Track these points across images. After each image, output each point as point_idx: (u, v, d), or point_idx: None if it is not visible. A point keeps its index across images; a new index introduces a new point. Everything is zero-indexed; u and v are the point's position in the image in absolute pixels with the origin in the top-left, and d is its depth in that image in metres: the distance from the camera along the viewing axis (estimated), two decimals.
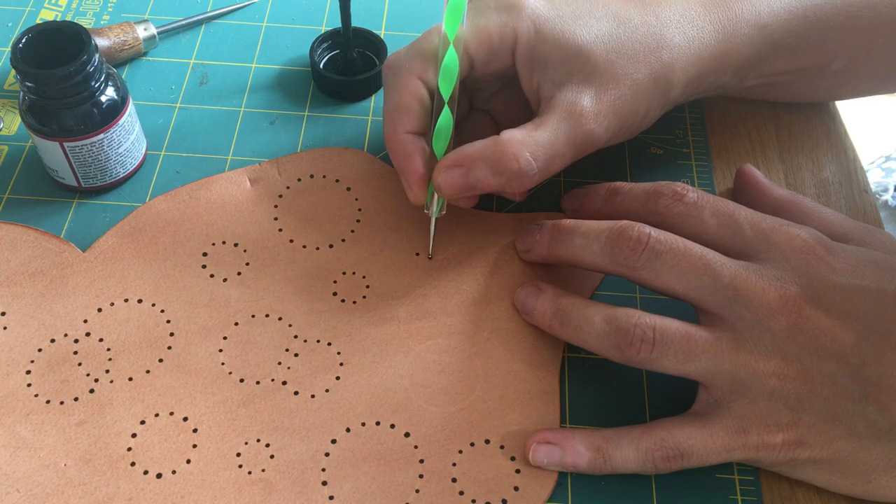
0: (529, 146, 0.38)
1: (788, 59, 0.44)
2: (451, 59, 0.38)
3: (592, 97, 0.39)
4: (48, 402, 0.38)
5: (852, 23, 0.44)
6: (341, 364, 0.40)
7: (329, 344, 0.41)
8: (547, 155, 0.38)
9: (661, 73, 0.40)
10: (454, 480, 0.37)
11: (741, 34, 0.42)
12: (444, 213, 0.42)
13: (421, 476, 0.37)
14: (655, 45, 0.40)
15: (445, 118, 0.39)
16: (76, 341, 0.40)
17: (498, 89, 0.45)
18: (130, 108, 0.44)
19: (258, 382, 0.39)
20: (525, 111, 0.44)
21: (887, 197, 0.70)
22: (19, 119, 0.49)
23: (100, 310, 0.41)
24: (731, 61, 0.42)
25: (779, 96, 0.50)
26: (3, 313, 0.41)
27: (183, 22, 0.53)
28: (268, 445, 0.38)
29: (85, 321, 0.41)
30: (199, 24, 0.54)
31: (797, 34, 0.43)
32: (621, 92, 0.39)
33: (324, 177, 0.46)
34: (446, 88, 0.39)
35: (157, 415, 0.38)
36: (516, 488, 0.37)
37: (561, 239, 0.40)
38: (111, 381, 0.39)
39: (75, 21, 0.48)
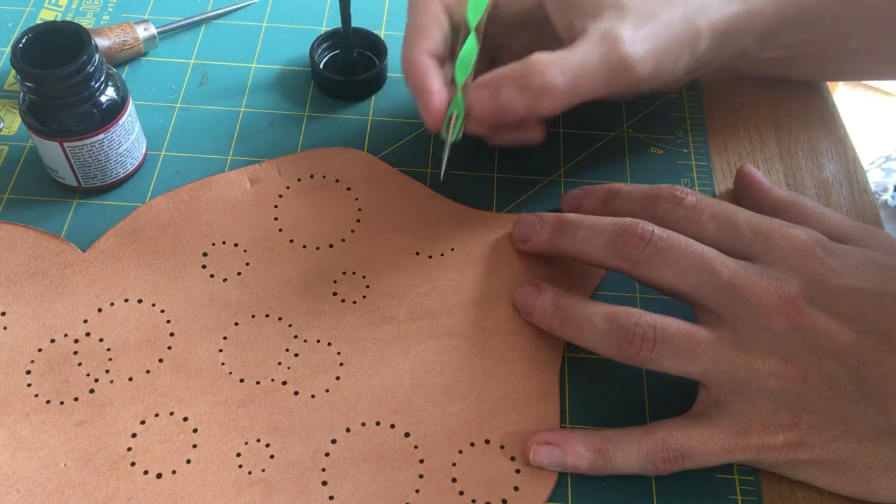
0: (558, 64, 0.38)
1: (807, 29, 0.45)
2: None
3: (628, 27, 0.39)
4: (48, 402, 0.38)
5: None
6: (341, 364, 0.40)
7: (329, 344, 0.41)
8: (576, 71, 0.38)
9: (691, 17, 0.40)
10: (454, 480, 0.37)
11: None
12: (460, 137, 0.41)
13: (421, 476, 0.37)
14: None
15: (470, 46, 0.38)
16: (76, 341, 0.40)
17: (522, 46, 0.44)
18: (130, 108, 0.44)
19: (258, 382, 0.39)
20: None
21: (887, 197, 0.70)
22: (19, 119, 0.49)
23: (100, 310, 0.41)
24: (753, 23, 0.43)
25: (798, 72, 0.50)
26: (3, 313, 0.41)
27: (183, 22, 0.53)
28: (268, 445, 0.38)
29: (85, 321, 0.41)
30: (199, 24, 0.54)
31: (816, 2, 0.43)
32: (656, 29, 0.39)
33: (324, 177, 0.46)
34: (474, 15, 0.38)
35: (157, 415, 0.38)
36: (516, 488, 0.37)
37: (565, 231, 0.40)
38: (111, 381, 0.39)
39: (75, 21, 0.48)
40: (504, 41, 0.45)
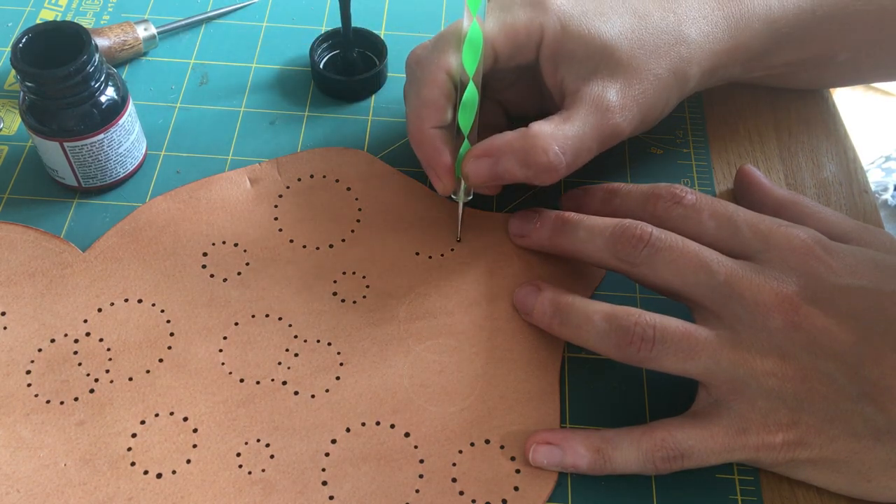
0: (558, 139, 0.39)
1: (794, 52, 0.45)
2: (475, 33, 0.38)
3: (617, 91, 0.40)
4: (48, 402, 0.38)
5: (858, 17, 0.45)
6: (341, 364, 0.40)
7: (329, 344, 0.41)
8: (575, 148, 0.39)
9: (679, 68, 0.41)
10: (454, 480, 0.37)
11: (752, 29, 0.43)
12: (471, 197, 0.43)
13: (421, 476, 0.37)
14: (674, 41, 0.41)
15: (471, 94, 0.39)
16: (76, 341, 0.40)
17: (512, 82, 0.45)
18: (130, 108, 0.44)
19: (258, 382, 0.39)
20: (536, 103, 0.45)
21: (887, 197, 0.70)
22: (19, 119, 0.49)
23: (100, 310, 0.41)
24: (740, 55, 0.43)
25: (783, 84, 0.51)
26: (3, 313, 0.41)
27: (183, 22, 0.53)
28: (268, 445, 0.38)
29: (85, 321, 0.41)
30: (199, 24, 0.54)
31: (804, 28, 0.44)
32: (644, 86, 0.40)
33: (324, 177, 0.46)
34: (471, 64, 0.38)
35: (157, 415, 0.38)
36: (516, 488, 0.37)
37: (566, 230, 0.41)
38: (111, 381, 0.39)
39: (75, 21, 0.48)
40: (502, 87, 0.45)
